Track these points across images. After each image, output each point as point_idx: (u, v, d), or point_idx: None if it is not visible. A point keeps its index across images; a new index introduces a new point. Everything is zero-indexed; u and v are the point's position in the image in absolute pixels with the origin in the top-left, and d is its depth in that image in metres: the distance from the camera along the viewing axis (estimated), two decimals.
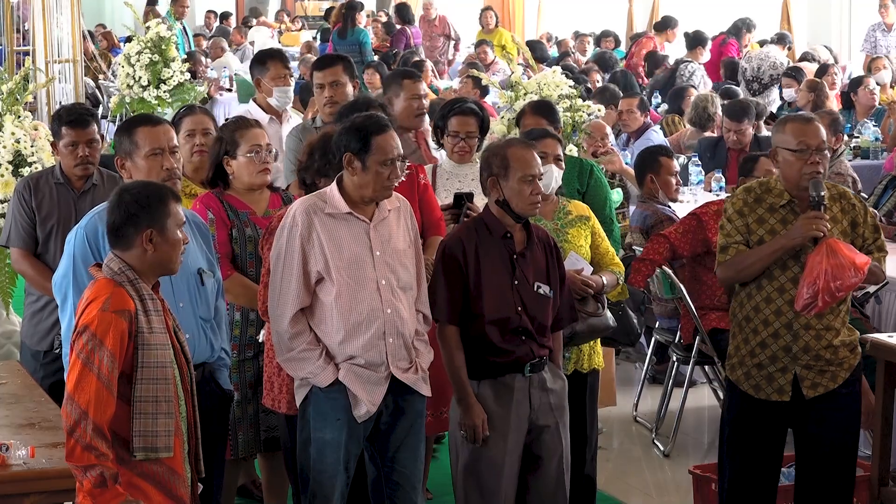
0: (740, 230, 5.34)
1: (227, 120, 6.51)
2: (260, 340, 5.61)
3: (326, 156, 5.19)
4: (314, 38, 20.78)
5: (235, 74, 16.36)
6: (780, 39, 16.17)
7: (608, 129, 9.70)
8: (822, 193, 5.19)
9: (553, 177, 5.86)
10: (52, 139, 6.20)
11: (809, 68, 14.28)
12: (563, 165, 6.03)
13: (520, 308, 5.14)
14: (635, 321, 6.38)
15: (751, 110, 10.21)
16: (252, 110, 7.59)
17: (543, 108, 6.84)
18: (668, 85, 14.01)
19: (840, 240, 5.23)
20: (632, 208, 8.89)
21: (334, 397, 4.92)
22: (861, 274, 5.15)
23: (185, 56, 13.24)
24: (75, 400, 4.15)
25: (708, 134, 10.78)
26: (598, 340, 5.94)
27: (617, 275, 5.91)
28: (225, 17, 23.30)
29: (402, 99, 7.00)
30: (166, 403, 4.29)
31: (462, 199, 5.96)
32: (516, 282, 5.15)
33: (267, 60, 7.81)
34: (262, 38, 18.55)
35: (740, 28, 15.75)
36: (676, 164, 8.08)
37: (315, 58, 15.41)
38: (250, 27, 21.13)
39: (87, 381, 4.16)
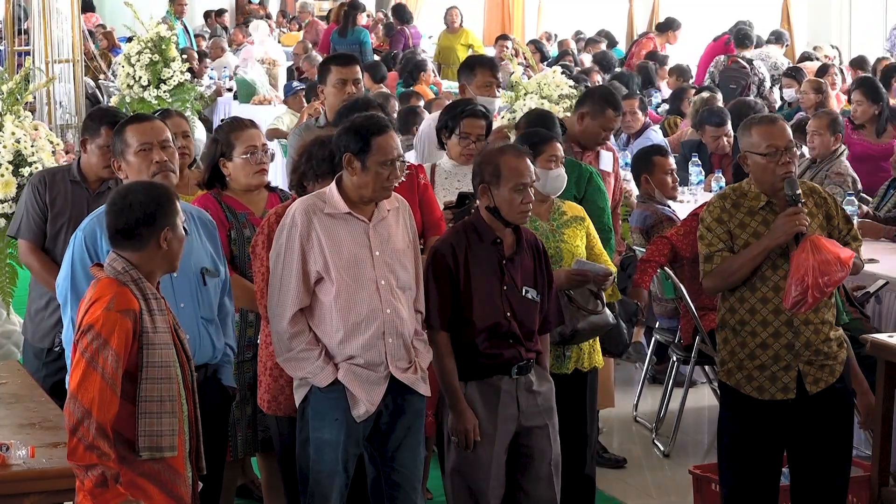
0: (722, 238, 5.33)
1: (222, 121, 6.49)
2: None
3: (311, 161, 5.21)
4: None
5: (235, 74, 16.32)
6: (778, 38, 16.02)
7: None
8: (798, 191, 5.22)
9: (563, 179, 5.91)
10: (82, 137, 6.08)
11: (810, 67, 14.25)
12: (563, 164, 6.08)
13: (508, 314, 5.15)
14: (625, 331, 6.40)
15: (726, 112, 10.28)
16: None
17: (539, 123, 6.63)
18: (735, 80, 13.90)
19: (820, 234, 5.25)
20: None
21: (333, 397, 4.91)
22: (846, 267, 5.17)
23: (182, 53, 13.20)
24: (78, 399, 4.15)
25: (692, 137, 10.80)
26: (598, 339, 5.97)
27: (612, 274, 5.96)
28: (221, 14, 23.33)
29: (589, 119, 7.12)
30: (170, 403, 4.29)
31: (466, 199, 5.97)
32: (505, 287, 5.16)
33: (476, 66, 7.43)
34: (260, 35, 18.47)
35: (743, 40, 15.46)
36: (672, 163, 8.06)
37: (318, 56, 15.43)
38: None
39: (91, 381, 4.15)
